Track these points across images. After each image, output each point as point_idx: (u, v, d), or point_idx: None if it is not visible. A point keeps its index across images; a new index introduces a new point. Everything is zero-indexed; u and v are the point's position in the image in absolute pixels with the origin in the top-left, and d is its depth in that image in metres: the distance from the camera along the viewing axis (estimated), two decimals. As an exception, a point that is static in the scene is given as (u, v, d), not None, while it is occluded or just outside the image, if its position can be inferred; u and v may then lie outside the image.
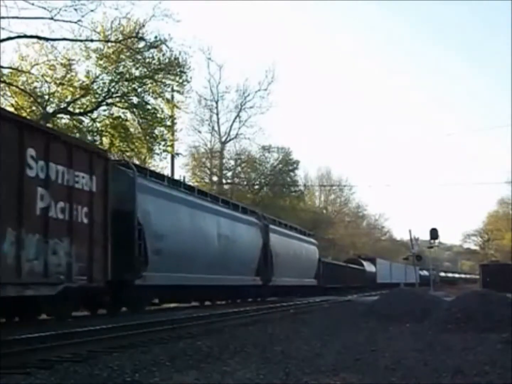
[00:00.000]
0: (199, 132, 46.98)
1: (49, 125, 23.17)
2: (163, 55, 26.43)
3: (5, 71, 24.21)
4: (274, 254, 25.97)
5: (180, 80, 27.21)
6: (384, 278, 58.07)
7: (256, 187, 49.39)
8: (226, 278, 20.65)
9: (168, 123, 28.33)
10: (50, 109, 25.35)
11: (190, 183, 30.55)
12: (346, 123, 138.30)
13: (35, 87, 25.15)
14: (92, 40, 25.03)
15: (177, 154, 32.72)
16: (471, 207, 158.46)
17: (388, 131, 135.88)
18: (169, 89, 27.81)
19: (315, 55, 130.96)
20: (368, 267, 53.97)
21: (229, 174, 49.11)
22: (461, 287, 61.27)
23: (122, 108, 26.89)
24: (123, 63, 25.97)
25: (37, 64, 24.70)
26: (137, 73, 26.52)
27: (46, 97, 25.29)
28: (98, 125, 26.87)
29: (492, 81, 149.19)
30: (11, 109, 23.00)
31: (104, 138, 26.84)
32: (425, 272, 65.99)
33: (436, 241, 37.77)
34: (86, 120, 26.73)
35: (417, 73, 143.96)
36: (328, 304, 23.21)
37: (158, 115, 27.34)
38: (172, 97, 28.35)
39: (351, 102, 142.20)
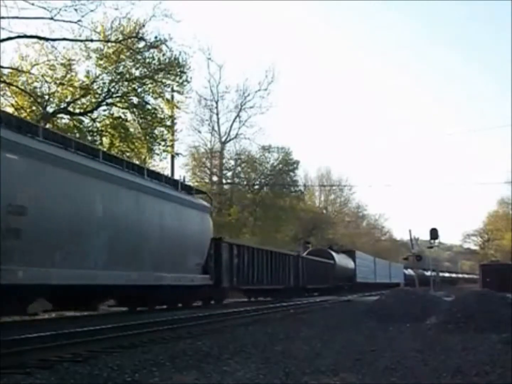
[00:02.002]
0: (199, 132, 47.07)
1: (49, 125, 23.17)
2: (163, 55, 26.41)
3: (5, 71, 24.18)
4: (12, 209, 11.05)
5: (180, 80, 27.19)
6: (366, 277, 48.92)
7: (256, 187, 49.38)
8: None
9: (168, 123, 28.31)
10: (50, 109, 25.32)
11: (190, 184, 30.47)
12: (346, 123, 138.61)
13: (35, 87, 25.12)
14: (92, 40, 25.02)
15: (177, 154, 32.72)
16: (471, 207, 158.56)
17: (388, 131, 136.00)
18: (169, 89, 27.81)
19: (315, 55, 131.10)
20: (342, 261, 42.84)
21: (229, 174, 49.13)
22: (461, 287, 61.22)
23: (122, 108, 26.86)
24: (123, 63, 25.93)
25: (37, 64, 24.67)
26: (137, 73, 26.50)
27: (46, 97, 25.25)
28: (98, 125, 26.85)
29: (492, 81, 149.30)
30: (11, 109, 23.02)
31: (104, 138, 26.82)
32: (410, 272, 65.05)
33: (436, 241, 37.74)
34: (86, 120, 26.72)
35: (417, 73, 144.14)
36: (329, 304, 23.25)
37: (158, 115, 27.32)
38: (172, 97, 28.34)
39: (351, 102, 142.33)
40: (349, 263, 44.83)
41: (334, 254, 41.55)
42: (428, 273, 58.36)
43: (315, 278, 34.84)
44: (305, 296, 30.97)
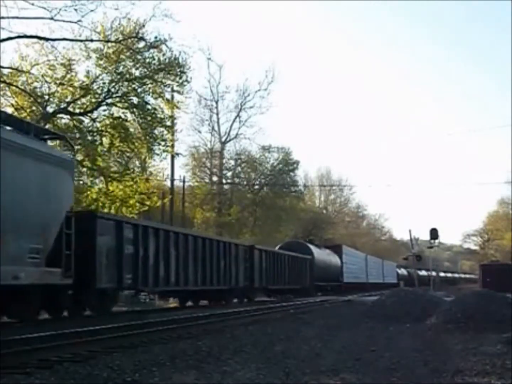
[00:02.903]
0: (199, 132, 47.23)
1: (49, 125, 23.16)
2: (163, 55, 26.37)
3: (5, 71, 24.16)
4: None
5: (180, 80, 27.14)
6: (356, 276, 43.14)
7: (256, 187, 49.42)
8: None
9: (168, 123, 28.28)
10: (50, 109, 25.29)
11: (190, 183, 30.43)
12: (346, 123, 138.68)
13: (35, 87, 25.10)
14: (92, 40, 25.00)
15: (177, 154, 32.74)
16: (471, 207, 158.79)
17: (389, 131, 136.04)
18: (169, 89, 27.79)
19: (315, 55, 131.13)
20: (324, 257, 36.38)
21: (229, 174, 49.20)
22: (461, 287, 61.20)
23: (122, 108, 26.82)
24: (123, 63, 25.90)
25: (37, 64, 24.65)
26: (137, 73, 26.46)
27: (46, 97, 25.23)
28: (98, 125, 26.81)
29: (492, 81, 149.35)
30: (11, 109, 23.01)
31: (104, 138, 26.80)
32: (403, 271, 64.66)
33: (436, 241, 37.69)
34: (86, 120, 26.68)
35: (417, 73, 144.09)
36: (329, 304, 23.23)
37: (158, 115, 27.29)
38: (172, 97, 28.33)
39: (351, 102, 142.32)
40: (334, 260, 38.29)
41: (312, 248, 34.66)
42: (421, 273, 57.64)
43: (282, 276, 28.51)
44: (269, 299, 25.81)
